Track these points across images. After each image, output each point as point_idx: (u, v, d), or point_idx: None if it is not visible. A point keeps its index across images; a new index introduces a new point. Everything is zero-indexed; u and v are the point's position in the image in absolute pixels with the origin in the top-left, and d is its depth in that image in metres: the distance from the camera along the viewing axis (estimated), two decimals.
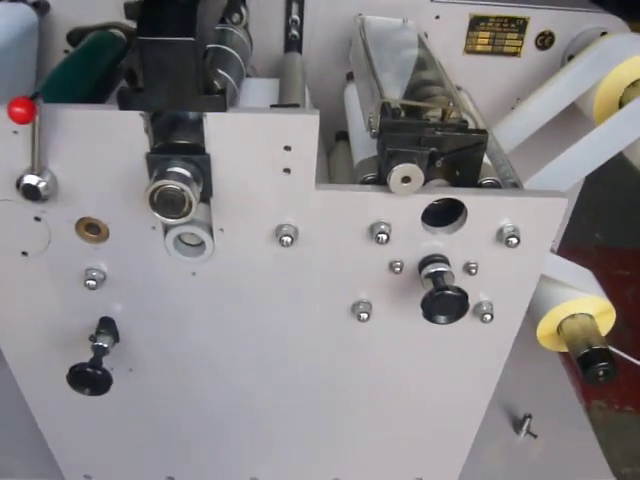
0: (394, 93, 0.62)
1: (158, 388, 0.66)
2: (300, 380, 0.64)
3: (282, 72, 0.75)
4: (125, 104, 0.43)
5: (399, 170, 0.45)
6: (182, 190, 0.42)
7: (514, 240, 0.50)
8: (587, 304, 0.75)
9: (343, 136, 0.82)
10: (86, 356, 0.57)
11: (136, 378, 0.65)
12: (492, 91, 0.85)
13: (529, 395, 0.93)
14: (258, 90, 0.71)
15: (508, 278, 0.55)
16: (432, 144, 0.49)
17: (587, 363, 0.71)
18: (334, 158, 0.79)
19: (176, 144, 0.46)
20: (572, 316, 0.76)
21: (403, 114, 0.51)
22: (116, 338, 0.59)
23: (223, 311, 0.57)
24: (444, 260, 0.53)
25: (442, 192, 0.49)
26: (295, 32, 0.77)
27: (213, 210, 0.49)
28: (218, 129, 0.44)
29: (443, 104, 0.53)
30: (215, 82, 0.49)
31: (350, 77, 0.80)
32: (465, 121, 0.51)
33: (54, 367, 0.60)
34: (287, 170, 0.46)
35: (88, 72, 0.65)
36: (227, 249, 0.52)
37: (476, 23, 0.79)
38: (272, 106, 0.45)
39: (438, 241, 0.52)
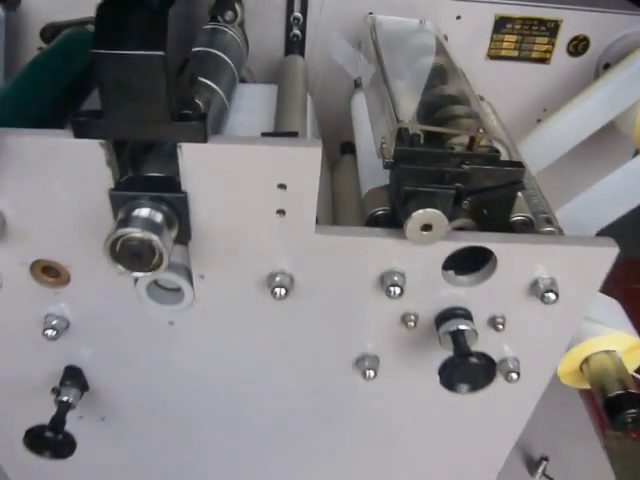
0: (409, 107, 0.53)
1: (133, 437, 0.58)
2: (288, 440, 0.56)
3: (281, 77, 0.66)
4: (81, 132, 0.34)
5: (418, 217, 0.37)
6: (150, 240, 0.34)
7: (551, 296, 0.42)
8: (614, 341, 0.67)
9: (349, 148, 0.73)
10: (53, 408, 0.49)
11: (109, 427, 0.57)
12: (516, 101, 0.76)
13: (545, 434, 0.85)
14: (253, 99, 0.63)
15: (540, 334, 0.47)
16: (458, 179, 0.41)
17: (615, 408, 0.63)
18: (338, 174, 0.70)
19: (147, 178, 0.38)
20: (598, 353, 0.68)
21: (422, 140, 0.43)
22: (84, 388, 0.52)
23: (204, 363, 0.49)
24: (466, 315, 0.45)
25: (468, 239, 0.41)
26: (297, 31, 0.68)
27: (192, 255, 0.41)
28: (196, 163, 0.36)
29: (470, 128, 0.44)
30: (197, 101, 0.41)
31: (359, 83, 0.71)
32: (497, 150, 0.43)
33: (17, 423, 0.52)
34: (281, 212, 0.38)
35: (59, 76, 0.57)
36: (210, 298, 0.44)
37: (501, 25, 0.70)
38: (264, 134, 0.37)
39: (460, 291, 0.44)
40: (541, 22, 0.70)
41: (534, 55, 0.73)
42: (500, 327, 0.46)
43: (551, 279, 0.43)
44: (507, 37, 0.71)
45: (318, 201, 0.38)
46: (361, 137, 0.62)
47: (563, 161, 0.66)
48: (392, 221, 0.44)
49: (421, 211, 0.36)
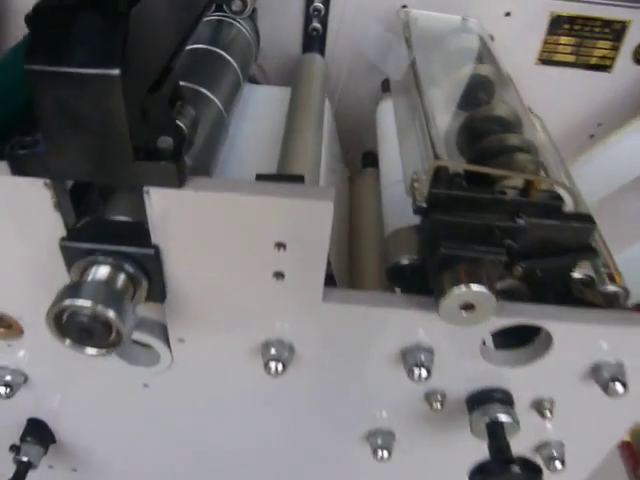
0: (447, 128, 0.44)
1: None
2: None
3: (297, 79, 0.57)
4: (18, 168, 0.26)
5: (458, 295, 0.28)
6: (105, 317, 0.26)
7: (618, 388, 0.33)
8: None
9: (371, 160, 0.64)
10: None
11: (82, 478, 0.50)
12: (567, 113, 0.66)
13: None
14: (262, 103, 0.54)
15: (594, 421, 0.38)
16: (509, 235, 0.32)
17: None
18: (358, 191, 0.61)
19: (109, 224, 0.30)
20: None
21: (465, 181, 0.34)
22: (49, 440, 0.44)
23: (186, 426, 0.41)
24: (506, 399, 0.36)
25: (519, 314, 0.32)
26: (317, 25, 0.59)
27: (169, 316, 0.33)
28: (169, 212, 0.27)
29: (528, 168, 0.35)
30: (180, 123, 0.32)
31: (386, 86, 0.61)
32: (559, 197, 0.33)
33: None
34: (279, 275, 0.29)
35: None
36: (191, 363, 0.36)
37: (558, 24, 0.60)
38: (259, 177, 0.28)
39: (501, 369, 0.35)
40: (605, 23, 0.59)
41: (593, 61, 0.62)
42: (547, 413, 0.37)
43: (618, 365, 0.34)
44: (563, 39, 0.61)
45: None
46: (386, 153, 0.53)
47: (623, 193, 0.56)
48: (421, 274, 0.36)
49: (463, 288, 0.28)
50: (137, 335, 0.34)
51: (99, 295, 0.26)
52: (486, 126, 0.40)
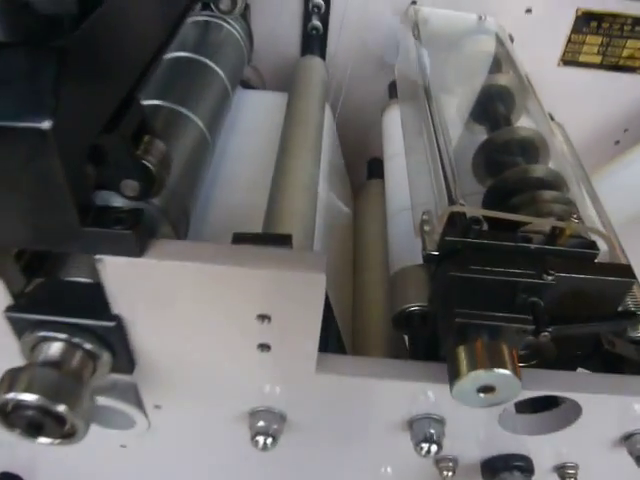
0: (456, 136, 0.39)
1: None
2: None
3: (294, 85, 0.52)
4: None
5: (475, 380, 0.23)
6: (56, 411, 0.22)
7: None
8: None
9: (377, 169, 0.59)
10: None
11: None
12: (591, 117, 0.60)
13: None
14: (255, 112, 0.49)
15: None
16: (535, 292, 0.27)
17: None
18: (363, 206, 0.56)
19: (63, 287, 0.25)
20: None
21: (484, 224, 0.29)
22: None
23: None
24: (526, 467, 0.32)
25: (546, 386, 0.27)
26: (317, 23, 0.53)
27: (140, 384, 0.29)
28: (129, 282, 0.23)
29: (552, 206, 0.30)
30: (147, 162, 0.27)
31: (394, 91, 0.56)
32: (593, 245, 0.29)
33: None
34: (264, 346, 0.25)
35: None
36: (170, 428, 0.32)
37: (584, 22, 0.54)
38: (236, 238, 0.23)
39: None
40: (636, 21, 0.53)
41: (622, 62, 0.56)
42: (571, 478, 0.33)
43: None
44: (589, 38, 0.55)
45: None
46: (392, 173, 0.48)
47: None
48: (431, 322, 0.31)
49: (481, 373, 0.23)
50: (107, 401, 0.30)
51: (48, 386, 0.22)
52: (507, 153, 0.34)
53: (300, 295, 0.22)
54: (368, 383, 0.27)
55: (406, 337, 0.36)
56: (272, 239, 0.23)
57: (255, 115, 0.49)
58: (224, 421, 0.30)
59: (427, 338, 0.32)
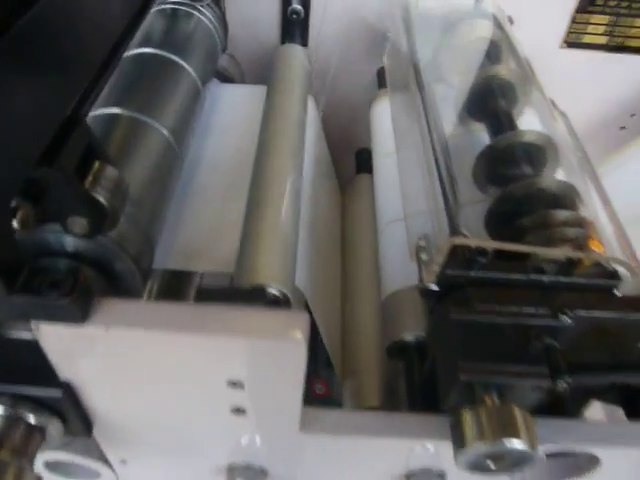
0: (452, 135, 0.35)
1: None
2: None
3: (274, 76, 0.47)
4: None
5: (482, 450, 0.20)
6: None
7: None
8: None
9: (365, 162, 0.55)
10: None
11: None
12: (596, 101, 0.56)
13: None
14: (231, 109, 0.45)
15: None
16: (550, 334, 0.23)
17: None
18: (351, 204, 0.52)
19: (4, 348, 0.21)
20: None
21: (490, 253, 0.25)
22: None
23: None
24: None
25: (560, 442, 0.24)
26: (298, 7, 0.48)
27: (102, 442, 0.25)
28: (73, 350, 0.19)
29: (564, 231, 0.26)
30: (98, 197, 0.23)
31: (383, 79, 0.51)
32: (614, 274, 0.25)
33: None
34: (239, 410, 0.22)
35: None
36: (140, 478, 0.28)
37: (589, 1, 0.49)
38: (201, 294, 0.19)
39: None
40: None
41: (629, 42, 0.52)
42: None
43: None
44: (595, 17, 0.50)
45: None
46: (382, 174, 0.44)
47: None
48: (428, 353, 0.28)
49: (489, 444, 0.20)
50: (67, 457, 0.27)
51: None
52: (512, 162, 0.31)
53: (276, 363, 0.19)
54: (359, 441, 0.24)
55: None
56: (242, 295, 0.20)
57: (231, 113, 0.45)
58: (200, 475, 0.27)
59: (425, 370, 0.29)
